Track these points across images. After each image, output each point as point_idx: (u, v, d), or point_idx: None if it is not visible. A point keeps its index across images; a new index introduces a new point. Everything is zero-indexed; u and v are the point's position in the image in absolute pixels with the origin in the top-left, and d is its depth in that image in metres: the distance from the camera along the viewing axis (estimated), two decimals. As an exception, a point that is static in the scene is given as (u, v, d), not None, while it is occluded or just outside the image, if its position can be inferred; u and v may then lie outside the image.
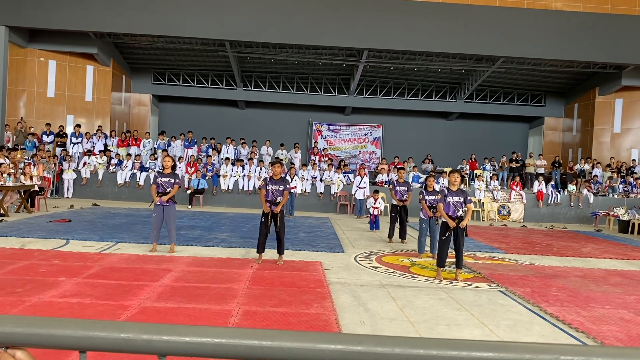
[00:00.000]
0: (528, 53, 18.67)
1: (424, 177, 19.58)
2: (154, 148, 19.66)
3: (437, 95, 23.58)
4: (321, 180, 18.40)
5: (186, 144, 19.74)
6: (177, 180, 8.56)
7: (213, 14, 17.77)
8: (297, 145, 20.76)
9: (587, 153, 21.88)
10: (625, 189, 19.10)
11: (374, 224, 12.86)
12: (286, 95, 23.32)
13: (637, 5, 19.80)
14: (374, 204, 12.93)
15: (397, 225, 11.11)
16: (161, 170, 8.82)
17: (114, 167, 18.30)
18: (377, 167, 20.57)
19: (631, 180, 19.30)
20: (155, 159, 18.49)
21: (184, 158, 18.74)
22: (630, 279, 8.16)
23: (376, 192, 13.39)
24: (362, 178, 16.60)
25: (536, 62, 19.98)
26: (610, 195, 18.95)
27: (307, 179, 18.12)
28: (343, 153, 24.39)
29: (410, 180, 19.33)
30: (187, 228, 11.53)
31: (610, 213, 16.89)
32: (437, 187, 10.80)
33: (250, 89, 23.15)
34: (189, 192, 17.16)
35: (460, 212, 7.38)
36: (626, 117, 21.51)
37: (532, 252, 10.66)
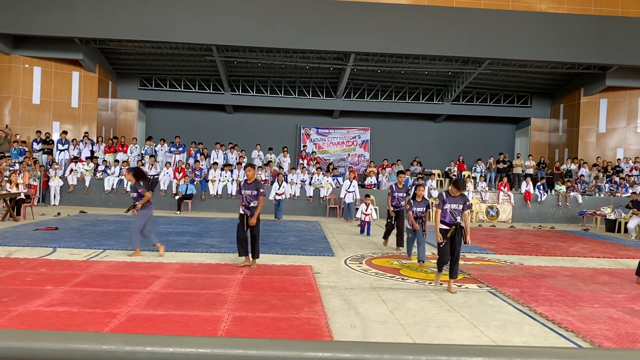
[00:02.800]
0: (513, 55, 18.83)
1: (412, 180, 19.65)
2: (142, 154, 19.54)
3: (424, 97, 23.68)
4: (310, 183, 18.39)
5: (173, 149, 19.62)
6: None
7: (199, 19, 17.73)
8: (285, 149, 20.74)
9: (573, 153, 22.08)
10: (612, 188, 19.29)
11: (367, 230, 12.54)
12: (274, 99, 23.30)
13: (620, 7, 20.05)
14: (365, 210, 12.60)
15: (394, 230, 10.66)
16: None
17: (101, 173, 18.15)
18: (365, 170, 20.60)
19: (617, 179, 19.50)
20: (143, 164, 18.36)
21: (172, 163, 18.64)
22: (618, 278, 8.22)
23: (367, 196, 13.12)
24: (351, 182, 16.41)
25: (522, 64, 20.14)
26: (597, 194, 19.12)
27: (296, 183, 18.09)
28: (332, 156, 24.40)
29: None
30: (176, 234, 11.45)
31: (597, 212, 17.04)
32: (434, 194, 10.72)
33: (237, 93, 23.09)
34: (177, 197, 17.06)
35: (459, 219, 6.85)
36: (611, 117, 21.75)
37: (521, 252, 10.72)
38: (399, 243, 10.23)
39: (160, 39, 18.23)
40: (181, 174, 17.81)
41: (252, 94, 23.11)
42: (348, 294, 6.42)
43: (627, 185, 18.95)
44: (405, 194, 10.26)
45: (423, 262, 8.52)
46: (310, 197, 18.08)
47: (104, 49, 20.29)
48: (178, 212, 16.56)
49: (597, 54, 18.83)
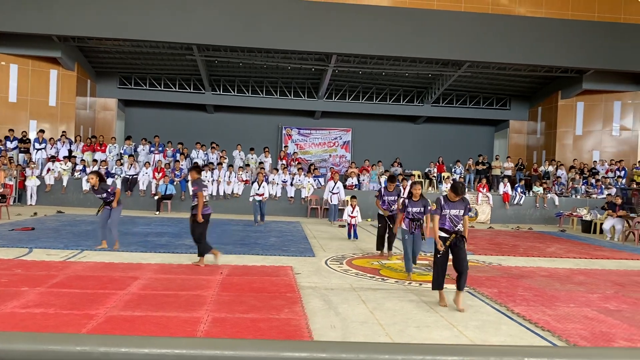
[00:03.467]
0: (493, 57, 19.05)
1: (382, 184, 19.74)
2: (120, 153, 19.30)
3: (404, 99, 23.83)
4: (291, 184, 18.36)
5: (152, 149, 19.42)
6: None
7: (180, 18, 17.59)
8: (267, 149, 20.69)
9: (550, 155, 22.41)
10: (588, 190, 19.63)
11: (353, 233, 11.99)
12: (255, 100, 23.22)
13: (596, 12, 20.42)
14: (352, 213, 12.03)
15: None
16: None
17: (79, 173, 17.90)
18: (347, 171, 20.64)
19: (593, 181, 19.85)
20: (122, 164, 18.15)
21: (151, 163, 18.45)
22: (593, 278, 8.37)
23: (353, 198, 12.61)
24: (335, 183, 16.14)
25: (500, 67, 20.39)
26: (574, 196, 19.44)
27: (277, 183, 18.06)
28: (313, 157, 24.41)
29: (383, 184, 19.43)
30: (155, 235, 11.34)
31: (574, 213, 17.32)
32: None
33: (218, 93, 22.96)
34: (156, 197, 16.90)
35: (459, 227, 6.29)
36: (587, 120, 22.14)
37: (499, 252, 10.85)
38: (389, 247, 9.65)
39: (140, 38, 18.03)
40: (160, 174, 17.65)
41: (234, 93, 23.00)
42: (328, 295, 6.43)
43: (603, 187, 19.30)
44: (396, 197, 9.61)
45: (410, 272, 7.81)
46: (291, 197, 18.06)
47: (82, 47, 20.01)
48: (157, 213, 16.40)
49: (574, 58, 19.16)
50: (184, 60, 20.69)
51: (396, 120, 24.97)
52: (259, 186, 14.61)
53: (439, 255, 6.29)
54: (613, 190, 18.37)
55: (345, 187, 18.41)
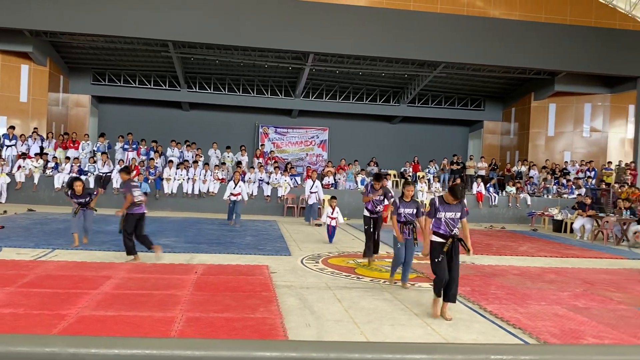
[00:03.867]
0: (468, 59, 19.30)
1: (369, 180, 19.84)
2: (94, 151, 18.99)
3: (381, 99, 23.97)
4: (268, 183, 18.31)
5: (125, 146, 19.13)
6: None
7: (155, 13, 17.39)
8: (243, 147, 20.58)
9: (523, 155, 22.81)
10: (559, 189, 20.03)
11: (332, 235, 11.38)
12: (232, 97, 23.08)
13: (568, 15, 20.86)
14: (331, 214, 11.35)
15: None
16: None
17: (51, 170, 17.55)
18: (323, 170, 20.67)
19: (564, 181, 20.27)
20: (95, 161, 17.86)
21: (124, 161, 18.19)
22: (563, 276, 8.56)
23: (333, 198, 11.84)
24: (313, 182, 15.74)
25: (475, 68, 20.67)
26: (545, 196, 19.82)
27: (254, 182, 17.98)
28: (290, 156, 24.39)
29: (360, 183, 19.48)
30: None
31: (545, 213, 17.66)
32: (422, 198, 8.90)
33: (194, 90, 22.75)
34: (131, 196, 16.66)
35: (456, 230, 5.83)
36: (559, 121, 22.59)
37: (473, 251, 10.98)
38: (375, 250, 8.86)
39: (114, 34, 17.76)
40: (135, 172, 17.41)
41: (210, 91, 22.82)
42: (304, 293, 6.45)
43: (574, 187, 19.71)
44: (382, 197, 8.89)
45: (405, 281, 7.18)
46: (267, 196, 18.01)
47: (55, 42, 19.61)
48: (131, 211, 16.16)
49: (547, 60, 19.53)
50: (160, 57, 20.45)
51: (372, 120, 25.11)
52: (235, 185, 14.19)
53: (437, 261, 5.72)
54: (583, 191, 18.77)
55: (322, 186, 18.44)
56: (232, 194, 14.13)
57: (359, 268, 8.49)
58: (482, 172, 21.44)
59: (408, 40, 18.53)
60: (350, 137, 24.64)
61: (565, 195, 19.55)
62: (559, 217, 16.77)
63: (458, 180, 19.89)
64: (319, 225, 14.18)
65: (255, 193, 17.84)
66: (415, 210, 7.10)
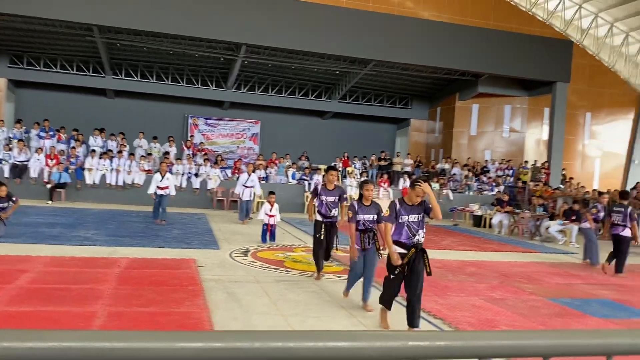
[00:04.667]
0: (397, 58, 19.76)
1: (300, 174, 19.91)
2: (9, 137, 17.85)
3: (313, 94, 24.09)
4: (197, 175, 17.95)
5: (42, 133, 18.09)
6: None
7: (79, -4, 16.52)
8: (171, 138, 20.04)
9: (447, 153, 23.70)
10: (479, 186, 21.00)
11: (271, 235, 10.43)
12: (160, 86, 22.36)
13: (491, 20, 21.83)
14: (270, 211, 10.46)
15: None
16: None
17: (-42, 157, 16.34)
18: (254, 163, 20.51)
19: (484, 179, 21.27)
20: (10, 149, 16.80)
21: (43, 149, 17.24)
22: (482, 269, 9.00)
23: (272, 193, 10.96)
24: (249, 175, 14.12)
25: (404, 67, 21.20)
26: (467, 192, 20.71)
27: (182, 174, 17.57)
28: (221, 148, 24.01)
29: (290, 177, 19.46)
30: (46, 225, 10.64)
31: (466, 209, 18.46)
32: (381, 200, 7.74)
33: (120, 77, 21.86)
34: (49, 186, 15.84)
35: (419, 237, 5.07)
36: (481, 122, 23.65)
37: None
38: (327, 258, 7.58)
39: (33, 14, 16.70)
40: (54, 161, 16.54)
41: (136, 79, 22.01)
42: (232, 287, 6.40)
43: (494, 184, 20.72)
44: (337, 199, 7.27)
45: (366, 301, 5.93)
46: (196, 189, 17.66)
47: (-35, 20, 18.21)
48: (50, 202, 15.38)
49: (471, 63, 20.35)
50: (83, 41, 19.45)
51: (304, 115, 25.18)
52: (162, 177, 12.83)
53: (392, 276, 5.06)
54: (502, 188, 19.78)
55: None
56: (158, 187, 12.73)
57: (288, 261, 8.53)
58: (408, 169, 22.08)
59: (340, 36, 18.72)
60: (282, 131, 24.60)
61: (485, 192, 20.51)
62: (479, 213, 17.59)
63: (385, 177, 20.34)
64: (250, 219, 13.86)
65: (184, 185, 17.44)
66: (376, 216, 5.93)
